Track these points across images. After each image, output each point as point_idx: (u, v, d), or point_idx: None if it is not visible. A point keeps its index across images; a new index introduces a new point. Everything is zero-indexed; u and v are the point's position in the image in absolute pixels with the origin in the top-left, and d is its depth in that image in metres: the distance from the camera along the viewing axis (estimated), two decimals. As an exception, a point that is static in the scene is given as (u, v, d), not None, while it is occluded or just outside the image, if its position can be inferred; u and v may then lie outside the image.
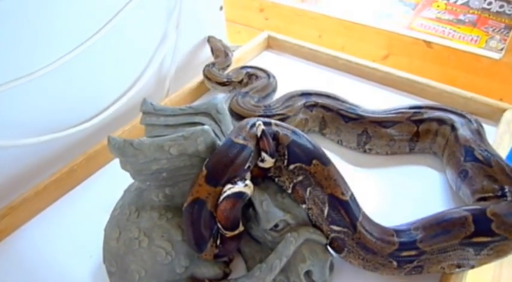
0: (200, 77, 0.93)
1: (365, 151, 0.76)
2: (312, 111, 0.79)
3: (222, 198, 0.51)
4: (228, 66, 0.95)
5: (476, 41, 1.20)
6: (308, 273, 0.54)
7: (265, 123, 0.58)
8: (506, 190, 0.58)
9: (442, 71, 1.10)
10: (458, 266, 0.53)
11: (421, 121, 0.73)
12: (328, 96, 0.79)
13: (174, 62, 0.93)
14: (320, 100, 0.78)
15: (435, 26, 1.25)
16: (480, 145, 0.66)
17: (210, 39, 1.00)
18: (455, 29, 1.24)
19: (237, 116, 0.76)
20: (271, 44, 1.07)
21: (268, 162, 0.56)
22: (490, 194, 0.59)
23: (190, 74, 0.97)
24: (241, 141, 0.54)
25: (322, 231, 0.56)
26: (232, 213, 0.51)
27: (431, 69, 1.11)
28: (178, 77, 0.95)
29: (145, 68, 0.87)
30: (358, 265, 0.55)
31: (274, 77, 0.89)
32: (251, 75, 0.91)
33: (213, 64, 0.93)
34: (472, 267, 0.54)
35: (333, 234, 0.55)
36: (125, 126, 0.80)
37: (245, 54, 1.02)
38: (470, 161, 0.65)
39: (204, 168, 0.53)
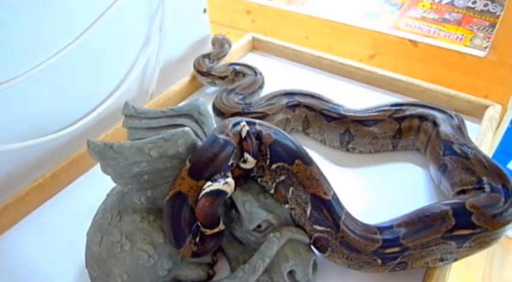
0: (184, 79, 0.93)
1: (348, 150, 0.76)
2: (294, 111, 0.79)
3: (200, 195, 0.50)
4: (223, 56, 0.97)
5: (461, 39, 1.21)
6: (291, 273, 0.54)
7: (248, 123, 0.58)
8: (484, 182, 0.59)
9: (428, 70, 1.10)
10: (442, 260, 0.54)
11: (403, 118, 0.73)
12: (312, 96, 0.79)
13: (157, 64, 0.92)
14: (303, 100, 0.78)
15: (421, 25, 1.26)
16: (458, 139, 0.66)
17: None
18: (440, 28, 1.25)
19: (218, 112, 0.78)
20: (256, 46, 1.07)
21: (250, 163, 0.56)
22: (469, 187, 0.60)
23: (174, 77, 0.96)
24: (224, 137, 0.54)
25: (305, 231, 0.56)
26: (211, 211, 0.51)
27: (417, 68, 1.12)
28: (162, 79, 0.95)
29: (128, 71, 0.86)
30: (343, 264, 0.55)
31: (261, 74, 0.90)
32: (238, 72, 0.91)
33: (208, 54, 0.95)
34: (455, 259, 0.54)
35: (316, 234, 0.55)
36: (108, 129, 0.79)
37: (230, 56, 1.01)
38: (449, 155, 0.65)
39: (187, 162, 0.53)
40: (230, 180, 0.51)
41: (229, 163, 0.54)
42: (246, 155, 0.56)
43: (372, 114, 0.74)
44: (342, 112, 0.74)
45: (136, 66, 0.87)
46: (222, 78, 0.92)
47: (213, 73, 0.91)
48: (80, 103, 0.80)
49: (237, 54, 1.04)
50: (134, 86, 0.90)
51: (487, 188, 0.58)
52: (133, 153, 0.52)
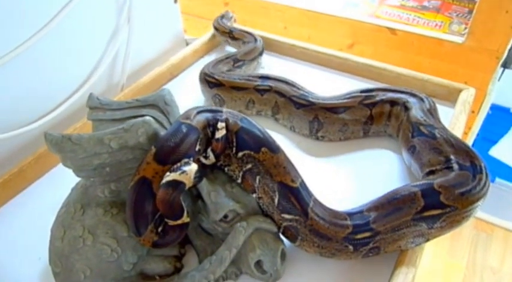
0: (155, 71, 0.92)
1: (317, 138, 0.75)
2: (262, 94, 0.78)
3: (159, 185, 0.49)
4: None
5: (440, 26, 1.20)
6: (259, 263, 0.53)
7: (216, 111, 0.57)
8: (452, 160, 0.58)
9: (407, 57, 1.10)
10: (414, 242, 0.53)
11: (374, 104, 0.72)
12: (286, 82, 0.78)
13: (127, 57, 0.90)
14: (275, 85, 0.77)
15: (400, 13, 1.25)
16: (427, 121, 0.66)
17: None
18: (419, 15, 1.24)
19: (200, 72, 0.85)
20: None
21: (210, 160, 0.55)
22: (437, 167, 0.59)
23: (144, 69, 0.95)
24: (189, 122, 0.54)
25: (274, 220, 0.55)
26: (170, 202, 0.49)
27: (396, 56, 1.11)
28: (132, 72, 0.94)
29: (97, 64, 0.84)
30: (314, 253, 0.54)
31: (260, 41, 0.93)
32: (235, 38, 0.97)
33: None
34: (427, 240, 0.54)
35: (285, 223, 0.54)
36: (77, 123, 0.77)
37: (203, 45, 1.01)
38: (417, 136, 0.65)
39: (152, 147, 0.52)
40: (189, 168, 0.49)
41: (196, 149, 0.53)
42: (210, 153, 0.55)
43: (342, 101, 0.72)
44: (311, 99, 0.73)
45: (105, 59, 0.85)
46: (217, 29, 1.00)
47: (214, 24, 1.00)
48: (47, 97, 0.77)
49: (211, 44, 1.03)
50: (103, 79, 0.88)
51: (455, 166, 0.57)
52: (93, 145, 0.51)
